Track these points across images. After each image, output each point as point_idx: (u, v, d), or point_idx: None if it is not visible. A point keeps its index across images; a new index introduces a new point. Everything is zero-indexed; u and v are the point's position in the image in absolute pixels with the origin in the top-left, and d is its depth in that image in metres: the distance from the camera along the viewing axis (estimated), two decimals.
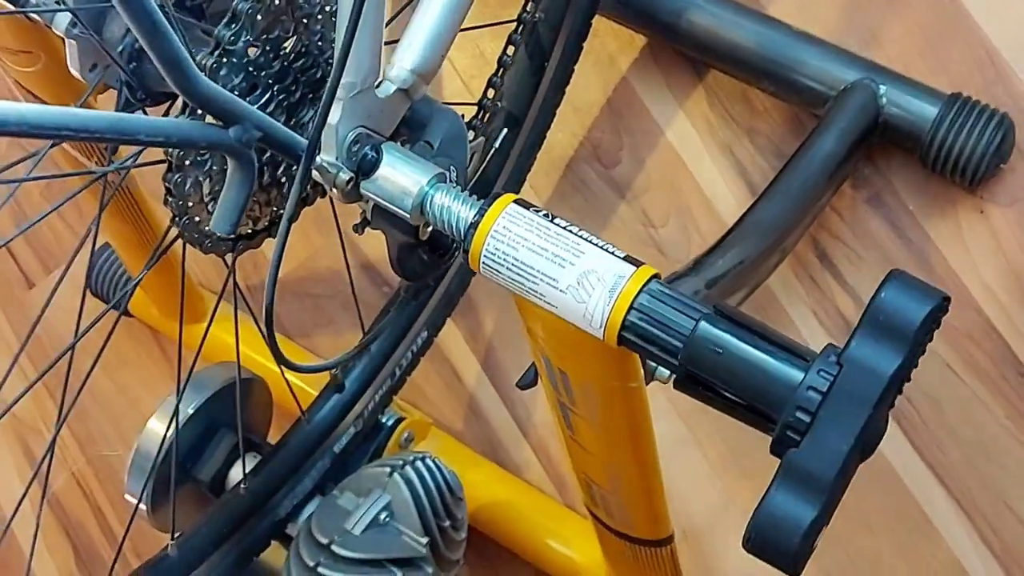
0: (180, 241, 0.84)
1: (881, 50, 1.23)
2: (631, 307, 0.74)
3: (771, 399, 0.71)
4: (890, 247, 1.22)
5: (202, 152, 0.77)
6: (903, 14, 1.25)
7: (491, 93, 1.08)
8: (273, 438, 1.14)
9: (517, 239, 0.76)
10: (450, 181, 0.82)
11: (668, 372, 0.93)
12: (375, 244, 1.35)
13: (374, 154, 0.81)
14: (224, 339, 1.07)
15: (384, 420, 1.17)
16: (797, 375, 0.70)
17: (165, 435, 1.04)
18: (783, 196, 1.12)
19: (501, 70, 1.09)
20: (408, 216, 0.80)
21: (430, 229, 0.84)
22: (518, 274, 0.76)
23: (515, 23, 1.09)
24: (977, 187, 1.19)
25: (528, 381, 0.93)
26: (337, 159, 0.79)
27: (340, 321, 1.37)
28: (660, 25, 1.26)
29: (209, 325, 0.98)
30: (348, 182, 0.80)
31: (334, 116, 0.78)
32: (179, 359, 0.99)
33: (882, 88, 1.18)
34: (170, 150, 0.77)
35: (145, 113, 0.91)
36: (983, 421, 1.19)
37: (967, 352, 1.19)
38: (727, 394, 0.72)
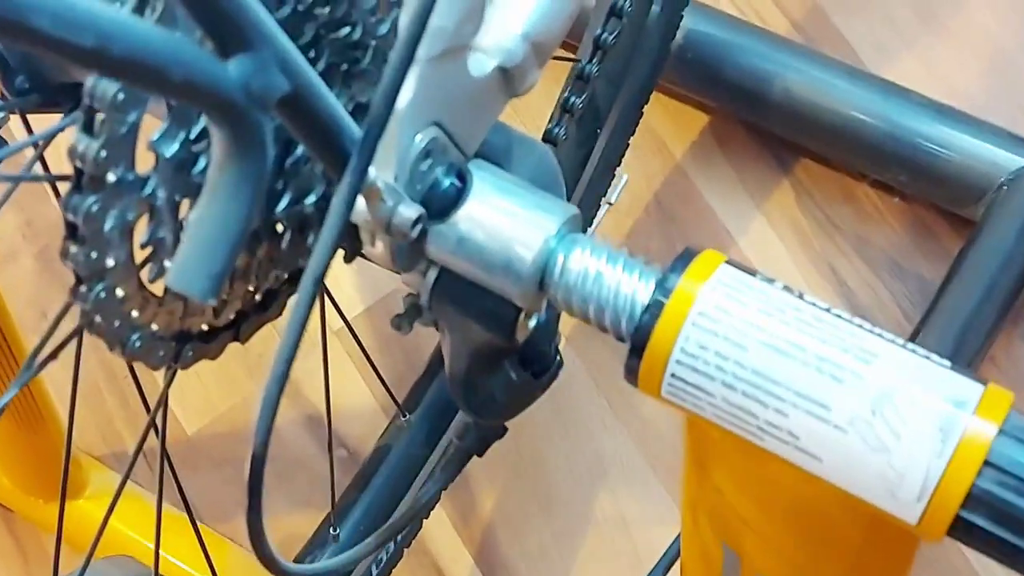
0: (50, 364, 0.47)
1: None
2: (986, 463, 0.38)
3: None
4: None
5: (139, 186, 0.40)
6: None
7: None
8: None
9: (743, 328, 0.40)
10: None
11: None
12: (333, 389, 0.97)
13: (456, 181, 0.45)
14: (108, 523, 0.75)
15: None
16: None
17: None
18: (952, 317, 0.78)
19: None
20: (518, 292, 0.44)
21: (535, 321, 0.47)
22: (744, 394, 0.40)
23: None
24: None
25: None
26: (397, 179, 0.42)
27: (278, 500, 0.97)
28: (740, 94, 0.92)
29: (124, 480, 0.60)
30: (414, 224, 0.43)
31: (405, 92, 0.41)
32: (57, 549, 0.61)
33: None
34: (79, 147, 0.40)
35: (27, 125, 0.54)
36: None
37: None
38: None
